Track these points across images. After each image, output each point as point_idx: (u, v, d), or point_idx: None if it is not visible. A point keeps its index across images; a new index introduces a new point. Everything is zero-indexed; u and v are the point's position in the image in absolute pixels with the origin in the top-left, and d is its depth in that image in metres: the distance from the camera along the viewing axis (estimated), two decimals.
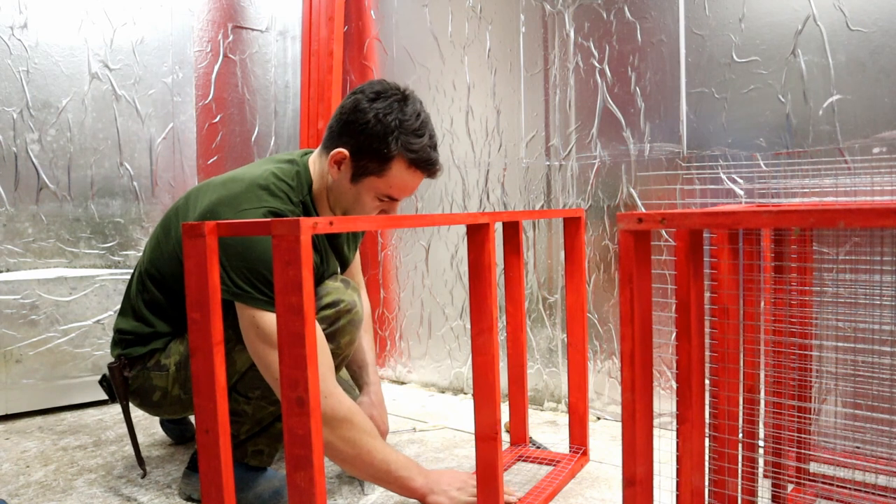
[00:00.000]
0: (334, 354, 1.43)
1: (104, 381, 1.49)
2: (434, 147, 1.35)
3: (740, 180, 1.67)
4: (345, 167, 1.33)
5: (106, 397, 2.18)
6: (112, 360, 1.46)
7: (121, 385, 1.43)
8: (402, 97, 1.32)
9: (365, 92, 1.33)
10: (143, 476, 1.54)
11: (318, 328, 1.26)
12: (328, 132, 1.37)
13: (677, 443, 1.01)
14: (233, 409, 1.38)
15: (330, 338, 1.40)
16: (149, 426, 1.95)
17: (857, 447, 1.35)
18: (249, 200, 1.27)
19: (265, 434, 1.40)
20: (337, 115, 1.35)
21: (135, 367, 1.43)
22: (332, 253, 1.49)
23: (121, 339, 1.45)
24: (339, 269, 1.56)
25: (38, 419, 2.04)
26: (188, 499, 1.43)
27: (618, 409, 1.95)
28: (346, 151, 1.32)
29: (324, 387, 1.18)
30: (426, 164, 1.33)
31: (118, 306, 2.19)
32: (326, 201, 1.40)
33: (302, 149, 1.50)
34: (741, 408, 1.08)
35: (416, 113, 1.32)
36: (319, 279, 1.40)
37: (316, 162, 1.40)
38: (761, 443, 1.16)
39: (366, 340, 1.66)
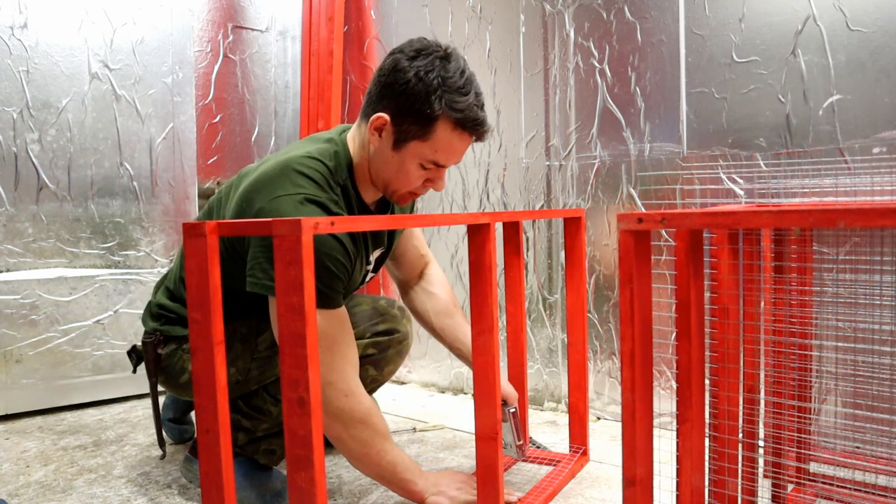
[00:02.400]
0: (374, 380, 1.43)
1: (133, 352, 1.49)
2: (481, 106, 1.24)
3: (740, 180, 1.68)
4: (386, 133, 1.23)
5: (106, 397, 2.20)
6: (146, 330, 1.45)
7: (153, 361, 1.41)
8: (445, 54, 1.22)
9: (404, 51, 1.22)
10: (163, 458, 1.55)
11: (349, 324, 1.23)
12: (367, 99, 1.27)
13: (677, 443, 1.01)
14: (258, 405, 1.38)
15: (376, 364, 1.40)
16: (150, 425, 1.95)
17: (857, 447, 1.35)
18: (284, 186, 1.19)
19: (282, 436, 1.40)
20: (375, 79, 1.25)
21: (169, 344, 1.41)
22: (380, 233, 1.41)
23: (161, 315, 1.44)
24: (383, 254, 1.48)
25: (38, 419, 2.04)
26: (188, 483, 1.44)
27: (618, 409, 1.95)
28: (386, 116, 1.22)
29: (345, 385, 1.18)
30: (473, 125, 1.23)
31: (118, 306, 2.20)
32: (368, 175, 1.31)
33: (341, 124, 1.39)
34: (741, 408, 1.08)
35: (461, 70, 1.22)
36: (357, 271, 1.32)
37: (355, 136, 1.31)
38: (761, 443, 1.16)
39: (462, 319, 1.58)
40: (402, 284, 1.64)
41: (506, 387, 1.50)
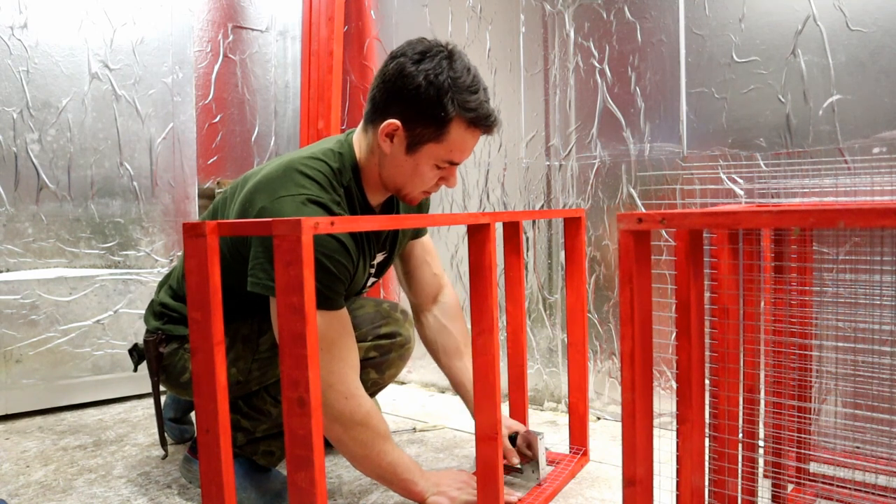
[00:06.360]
0: (376, 384, 1.43)
1: (134, 350, 1.50)
2: (489, 101, 1.25)
3: (740, 180, 1.68)
4: (398, 139, 1.23)
5: (106, 397, 2.19)
6: (148, 329, 1.45)
7: (154, 359, 1.41)
8: (449, 53, 1.21)
9: (408, 54, 1.21)
10: (165, 457, 1.55)
11: (350, 326, 1.23)
12: (371, 104, 1.26)
13: (677, 443, 1.01)
14: (257, 406, 1.38)
15: (377, 367, 1.40)
16: (150, 425, 1.95)
17: (857, 447, 1.35)
18: (286, 187, 1.18)
19: (281, 438, 1.40)
20: (379, 84, 1.23)
21: (171, 343, 1.42)
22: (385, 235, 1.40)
23: (163, 314, 1.44)
24: (391, 252, 1.46)
25: (38, 419, 2.04)
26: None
27: (618, 409, 1.95)
28: (397, 122, 1.21)
29: (345, 388, 1.17)
30: (486, 121, 1.23)
31: (118, 306, 2.20)
32: (378, 178, 1.30)
33: (350, 129, 1.37)
34: (741, 408, 1.08)
35: (467, 67, 1.21)
36: (360, 274, 1.32)
37: (360, 139, 1.30)
38: (761, 443, 1.16)
39: (469, 361, 1.56)
40: (415, 308, 1.62)
41: (512, 424, 1.53)
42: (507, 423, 1.52)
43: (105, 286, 2.18)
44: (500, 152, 2.15)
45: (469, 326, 1.37)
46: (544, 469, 1.46)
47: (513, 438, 1.49)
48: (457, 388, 1.57)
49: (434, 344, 1.59)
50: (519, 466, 1.48)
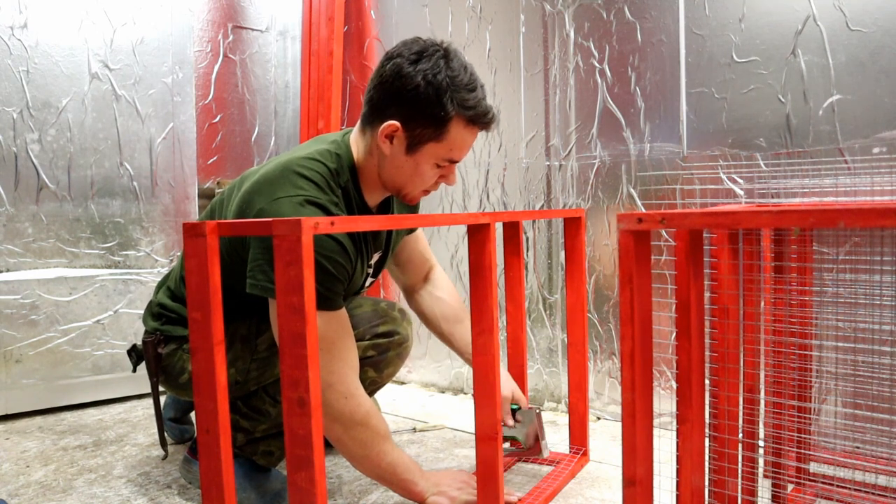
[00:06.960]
0: (374, 382, 1.44)
1: (132, 351, 1.50)
2: (486, 98, 1.25)
3: (740, 180, 1.68)
4: (398, 139, 1.23)
5: (106, 397, 2.20)
6: (146, 330, 1.45)
7: (153, 360, 1.41)
8: (445, 52, 1.21)
9: (404, 55, 1.20)
10: (165, 458, 1.56)
11: (349, 326, 1.23)
12: (368, 105, 1.26)
13: (677, 443, 1.01)
14: (257, 406, 1.38)
15: (375, 366, 1.41)
16: (150, 425, 1.95)
17: (857, 447, 1.35)
18: (284, 188, 1.18)
19: (281, 437, 1.40)
20: (376, 85, 1.23)
21: (169, 344, 1.42)
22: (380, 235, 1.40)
23: (161, 314, 1.44)
24: (387, 253, 1.46)
25: (38, 419, 2.04)
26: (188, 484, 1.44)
27: (618, 409, 1.95)
28: (396, 123, 1.21)
29: (345, 387, 1.17)
30: (484, 118, 1.24)
31: (118, 306, 2.20)
32: (377, 179, 1.30)
33: (347, 128, 1.38)
34: (741, 408, 1.08)
35: (464, 66, 1.22)
36: (359, 274, 1.33)
37: (358, 140, 1.30)
38: (761, 443, 1.16)
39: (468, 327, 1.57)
40: (406, 288, 1.64)
41: (515, 389, 1.53)
42: (507, 388, 1.51)
43: (105, 286, 2.18)
44: (500, 152, 2.15)
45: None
46: (542, 441, 1.49)
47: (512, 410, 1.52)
48: (461, 350, 1.57)
49: (433, 315, 1.59)
50: (516, 437, 1.51)
